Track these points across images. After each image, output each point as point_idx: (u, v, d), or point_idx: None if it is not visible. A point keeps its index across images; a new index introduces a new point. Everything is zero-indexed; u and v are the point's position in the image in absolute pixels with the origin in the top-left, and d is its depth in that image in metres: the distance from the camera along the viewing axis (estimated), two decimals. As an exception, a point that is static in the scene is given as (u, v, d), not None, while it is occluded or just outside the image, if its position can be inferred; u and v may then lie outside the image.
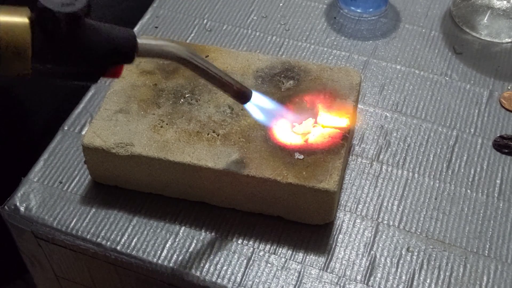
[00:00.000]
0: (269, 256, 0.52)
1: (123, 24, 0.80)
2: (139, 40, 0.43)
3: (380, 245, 0.53)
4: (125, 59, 0.43)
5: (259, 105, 0.52)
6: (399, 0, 0.73)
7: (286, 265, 0.51)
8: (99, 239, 0.53)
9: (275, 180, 0.51)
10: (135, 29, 0.70)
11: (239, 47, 0.68)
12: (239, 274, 0.51)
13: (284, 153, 0.52)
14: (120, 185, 0.56)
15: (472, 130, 0.60)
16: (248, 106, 0.51)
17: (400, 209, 0.55)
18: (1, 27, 0.38)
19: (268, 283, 0.50)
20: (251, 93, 0.50)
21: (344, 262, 0.52)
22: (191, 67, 0.46)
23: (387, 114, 0.62)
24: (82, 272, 0.57)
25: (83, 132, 0.60)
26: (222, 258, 0.52)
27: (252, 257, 0.52)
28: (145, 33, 0.69)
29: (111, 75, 0.44)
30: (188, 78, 0.58)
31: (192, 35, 0.69)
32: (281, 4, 0.73)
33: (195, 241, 0.53)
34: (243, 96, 0.50)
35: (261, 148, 0.52)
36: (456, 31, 0.70)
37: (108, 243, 0.53)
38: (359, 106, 0.62)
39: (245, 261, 0.52)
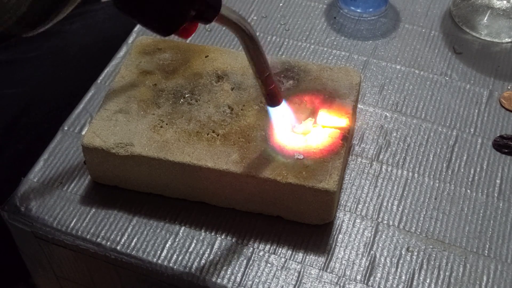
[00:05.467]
0: (269, 256, 0.52)
1: (123, 24, 0.80)
2: (223, 7, 0.45)
3: (380, 245, 0.53)
4: (207, 15, 0.45)
5: (281, 114, 0.53)
6: (399, 0, 0.73)
7: (286, 265, 0.51)
8: (99, 239, 0.53)
9: (275, 180, 0.51)
10: (135, 29, 0.70)
11: (239, 47, 0.68)
12: (239, 274, 0.51)
13: (284, 153, 0.52)
14: (120, 185, 0.56)
15: (472, 130, 0.60)
16: (271, 110, 0.53)
17: (400, 209, 0.55)
18: None
19: (268, 283, 0.50)
20: (282, 101, 0.52)
21: (344, 262, 0.52)
22: (251, 48, 0.48)
23: (387, 114, 0.62)
24: (82, 272, 0.57)
25: (83, 132, 0.60)
26: (222, 258, 0.52)
27: (252, 257, 0.52)
28: (145, 33, 0.69)
29: (183, 34, 0.45)
30: (188, 78, 0.58)
31: (192, 35, 0.69)
32: (281, 4, 0.73)
33: (195, 241, 0.53)
34: (275, 98, 0.51)
35: (261, 148, 0.52)
36: (456, 31, 0.70)
37: (108, 243, 0.53)
38: (359, 106, 0.62)
39: (245, 261, 0.52)
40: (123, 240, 0.53)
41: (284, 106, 0.53)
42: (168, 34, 0.45)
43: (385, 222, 0.54)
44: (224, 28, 0.70)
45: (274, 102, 0.52)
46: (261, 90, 0.51)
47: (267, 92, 0.51)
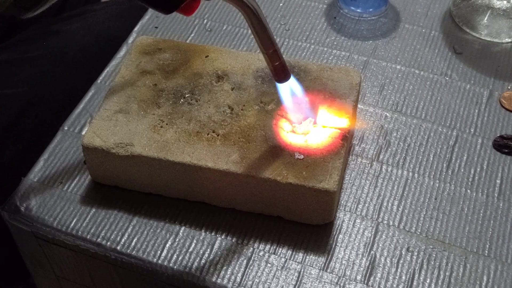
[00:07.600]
0: (269, 256, 0.52)
1: (123, 24, 0.80)
2: None
3: (380, 245, 0.53)
4: None
5: (291, 90, 0.53)
6: (399, 0, 0.73)
7: (286, 265, 0.51)
8: (99, 239, 0.53)
9: (275, 180, 0.51)
10: (135, 29, 0.70)
11: (239, 47, 0.68)
12: (239, 274, 0.51)
13: (284, 153, 0.52)
14: (120, 185, 0.56)
15: (472, 130, 0.60)
16: (280, 86, 0.52)
17: (400, 209, 0.55)
18: None
19: (268, 283, 0.50)
20: (290, 76, 0.51)
21: (344, 262, 0.52)
22: (255, 23, 0.47)
23: (387, 114, 0.62)
24: (82, 272, 0.57)
25: (83, 132, 0.60)
26: (222, 258, 0.52)
27: (252, 257, 0.52)
28: (145, 33, 0.69)
29: (185, 10, 0.45)
30: (188, 78, 0.58)
31: (192, 35, 0.69)
32: (281, 4, 0.73)
33: (195, 241, 0.53)
34: (282, 74, 0.51)
35: (261, 148, 0.52)
36: (456, 31, 0.70)
37: (108, 243, 0.53)
38: (359, 106, 0.62)
39: (245, 261, 0.52)
40: (123, 240, 0.53)
41: (292, 82, 0.52)
42: (171, 11, 0.44)
43: (385, 222, 0.54)
44: (224, 28, 0.70)
45: (281, 78, 0.51)
46: (268, 65, 0.51)
47: (273, 67, 0.50)
